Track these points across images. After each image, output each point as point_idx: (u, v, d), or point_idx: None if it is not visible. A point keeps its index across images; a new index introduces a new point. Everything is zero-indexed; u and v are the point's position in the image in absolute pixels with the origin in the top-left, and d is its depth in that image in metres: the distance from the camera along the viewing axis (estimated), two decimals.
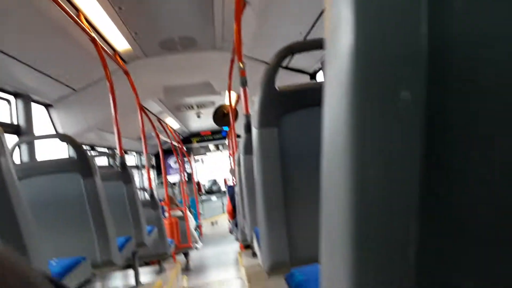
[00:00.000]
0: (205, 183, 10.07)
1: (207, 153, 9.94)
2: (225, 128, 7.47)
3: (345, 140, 0.36)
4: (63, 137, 1.84)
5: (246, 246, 3.85)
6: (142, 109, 3.91)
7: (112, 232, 1.94)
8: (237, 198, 3.19)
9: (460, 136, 0.33)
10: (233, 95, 3.88)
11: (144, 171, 6.77)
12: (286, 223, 1.10)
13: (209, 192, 9.89)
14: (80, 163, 1.76)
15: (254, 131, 1.10)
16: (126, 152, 6.37)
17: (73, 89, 3.58)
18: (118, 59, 3.43)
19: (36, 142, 3.01)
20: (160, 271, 3.65)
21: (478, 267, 0.36)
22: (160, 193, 6.54)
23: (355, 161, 0.35)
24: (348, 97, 0.33)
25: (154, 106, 5.42)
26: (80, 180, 1.78)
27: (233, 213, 4.81)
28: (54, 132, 3.51)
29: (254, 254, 3.25)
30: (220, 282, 4.24)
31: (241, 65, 1.79)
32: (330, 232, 0.43)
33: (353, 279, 0.38)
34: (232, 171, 4.48)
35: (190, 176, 8.79)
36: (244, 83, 1.80)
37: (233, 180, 4.86)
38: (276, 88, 1.08)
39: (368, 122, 0.33)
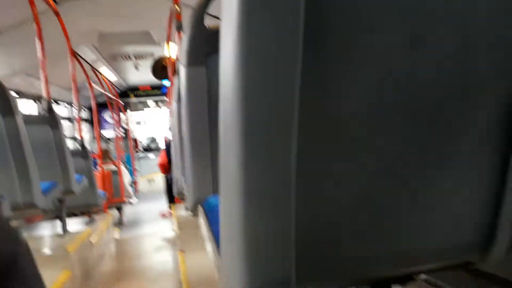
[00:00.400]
0: (143, 140, 9.87)
1: (145, 109, 9.68)
2: (166, 84, 7.30)
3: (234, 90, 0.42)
4: None
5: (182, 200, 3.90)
6: (74, 55, 3.71)
7: (34, 174, 1.88)
8: (173, 151, 3.18)
9: None
10: (174, 46, 3.79)
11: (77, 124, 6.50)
12: (211, 163, 1.14)
13: (147, 149, 9.72)
14: (0, 100, 1.67)
15: (182, 71, 1.10)
16: (57, 102, 6.06)
17: None
18: None
19: None
20: (90, 222, 3.61)
21: None
22: (94, 147, 6.35)
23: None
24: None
25: (88, 54, 5.15)
26: None
27: (168, 167, 4.79)
28: None
29: (192, 212, 3.31)
30: (152, 234, 4.28)
31: (177, 8, 1.74)
32: (225, 167, 0.48)
33: (242, 202, 0.45)
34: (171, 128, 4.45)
35: (126, 131, 8.56)
36: (179, 27, 1.76)
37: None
38: (206, 26, 1.08)
39: None
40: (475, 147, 0.54)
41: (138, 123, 9.77)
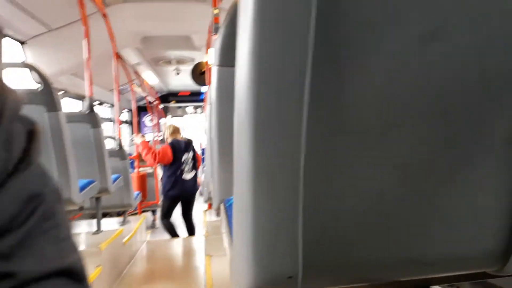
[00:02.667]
0: None
1: (184, 116, 9.90)
2: (203, 90, 7.46)
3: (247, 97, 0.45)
4: (28, 66, 1.85)
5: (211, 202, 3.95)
6: (118, 56, 3.89)
7: (73, 170, 1.98)
8: (206, 156, 3.25)
9: None
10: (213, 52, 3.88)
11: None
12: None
13: None
14: (45, 95, 1.79)
15: (214, 69, 1.14)
16: (100, 104, 6.32)
17: (49, 28, 3.53)
18: (97, 0, 3.39)
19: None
20: (124, 222, 3.74)
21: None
22: (132, 149, 6.55)
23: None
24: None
25: (131, 57, 5.37)
26: (44, 113, 1.81)
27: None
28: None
29: (218, 214, 3.37)
30: (183, 238, 4.37)
31: (215, 11, 1.80)
32: (238, 165, 0.51)
33: (252, 198, 0.48)
34: (206, 132, 4.53)
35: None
36: (217, 30, 1.82)
37: None
38: None
39: None
40: (496, 150, 0.54)
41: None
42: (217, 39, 1.09)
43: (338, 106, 0.49)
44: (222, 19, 1.91)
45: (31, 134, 0.28)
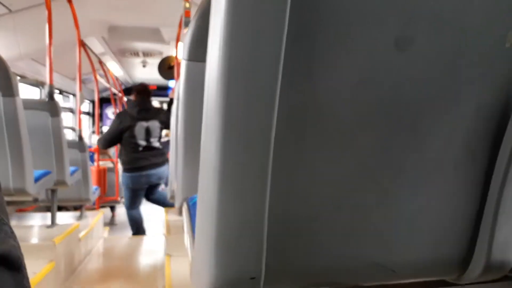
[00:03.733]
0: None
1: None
2: (171, 86, 7.36)
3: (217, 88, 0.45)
4: None
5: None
6: (83, 45, 3.78)
7: (28, 160, 1.91)
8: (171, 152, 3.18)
9: None
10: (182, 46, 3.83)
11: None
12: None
13: None
14: (1, 79, 1.71)
15: (183, 64, 1.13)
16: (61, 93, 6.13)
17: (9, 9, 3.38)
18: None
19: None
20: (81, 217, 3.64)
21: None
22: (93, 142, 6.40)
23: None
24: None
25: (96, 46, 5.23)
26: None
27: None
28: None
29: (180, 213, 3.32)
30: (142, 236, 4.29)
31: (187, 4, 1.79)
32: (204, 159, 0.50)
33: (216, 194, 0.48)
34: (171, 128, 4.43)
35: None
36: (187, 24, 1.80)
37: None
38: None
39: None
40: (457, 158, 0.56)
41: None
42: (187, 33, 1.07)
43: (308, 106, 0.49)
44: (193, 13, 1.89)
45: None
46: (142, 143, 3.73)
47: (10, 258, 0.25)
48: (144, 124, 3.70)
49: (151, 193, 4.06)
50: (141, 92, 3.74)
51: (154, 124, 3.74)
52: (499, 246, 0.59)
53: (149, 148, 3.77)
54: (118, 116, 3.83)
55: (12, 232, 0.27)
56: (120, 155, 4.01)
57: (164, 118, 3.75)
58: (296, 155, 0.50)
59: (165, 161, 3.86)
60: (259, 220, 0.49)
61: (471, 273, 0.61)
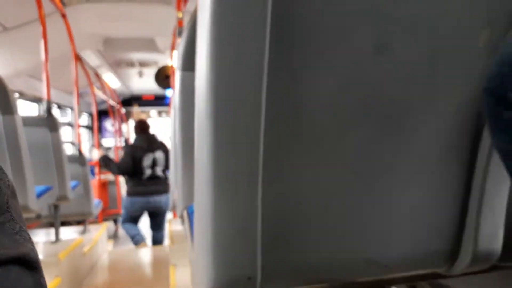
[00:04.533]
0: None
1: (148, 119, 9.79)
2: (168, 95, 7.41)
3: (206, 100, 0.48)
4: None
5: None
6: (78, 58, 3.83)
7: (30, 176, 1.95)
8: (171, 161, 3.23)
9: None
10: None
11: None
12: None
13: None
14: None
15: (177, 74, 1.16)
16: (59, 107, 6.18)
17: (4, 27, 3.44)
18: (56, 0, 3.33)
19: None
20: (84, 231, 3.67)
21: None
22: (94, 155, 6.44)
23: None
24: None
25: (92, 58, 5.29)
26: None
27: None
28: None
29: (183, 222, 3.34)
30: (146, 248, 4.32)
31: (179, 14, 1.83)
32: (199, 174, 0.54)
33: (211, 199, 0.51)
34: (170, 137, 4.47)
35: (126, 141, 8.67)
36: (181, 34, 1.83)
37: None
38: None
39: None
40: (440, 155, 0.60)
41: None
42: (180, 43, 1.10)
43: (294, 109, 0.52)
44: (186, 23, 1.93)
45: None
46: (148, 172, 4.04)
47: (29, 260, 0.29)
48: (151, 155, 4.04)
49: (153, 224, 4.36)
50: (143, 127, 4.12)
51: (160, 155, 4.07)
52: (485, 237, 0.62)
53: (152, 177, 4.08)
54: (131, 147, 4.12)
55: (30, 238, 0.31)
56: (126, 181, 4.36)
57: (167, 149, 4.12)
58: (285, 158, 0.54)
59: (166, 189, 4.15)
60: (252, 222, 0.53)
61: (460, 264, 0.64)
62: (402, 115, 0.56)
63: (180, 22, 1.84)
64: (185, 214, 1.04)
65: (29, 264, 0.29)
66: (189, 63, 1.11)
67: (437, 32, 0.54)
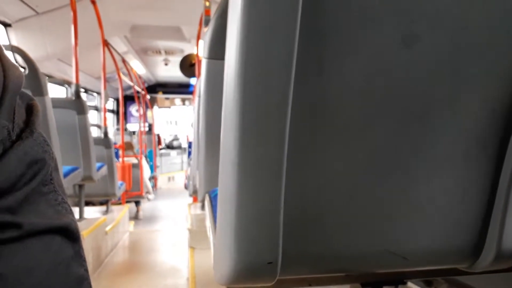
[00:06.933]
0: (166, 137, 10.05)
1: (172, 106, 9.88)
2: (192, 83, 7.44)
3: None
4: (15, 49, 1.83)
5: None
6: (106, 44, 3.87)
7: (57, 156, 1.98)
8: (193, 148, 3.26)
9: None
10: (203, 44, 3.88)
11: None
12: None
13: (169, 147, 9.89)
14: (31, 79, 1.78)
15: (203, 62, 1.16)
16: (86, 91, 6.28)
17: (36, 11, 3.49)
18: None
19: None
20: (107, 211, 3.74)
21: None
22: (117, 139, 6.54)
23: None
24: None
25: (119, 45, 5.33)
26: None
27: None
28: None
29: (203, 207, 3.38)
30: (167, 230, 4.38)
31: (207, 3, 1.81)
32: (224, 161, 0.53)
33: (235, 185, 0.51)
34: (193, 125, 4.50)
35: (150, 126, 8.77)
36: (207, 23, 1.82)
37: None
38: None
39: None
40: (467, 150, 0.58)
41: (166, 120, 9.99)
42: (207, 32, 1.10)
43: (320, 101, 0.51)
44: (213, 11, 1.92)
45: (30, 108, 0.31)
46: None
47: (70, 230, 0.30)
48: None
49: None
50: None
51: None
52: (510, 234, 0.60)
53: None
54: None
55: (71, 209, 0.31)
56: None
57: None
58: (310, 149, 0.53)
59: None
60: (275, 209, 0.52)
61: (483, 262, 0.62)
62: (428, 109, 0.54)
63: (207, 11, 1.83)
64: (207, 198, 1.04)
65: (70, 234, 0.30)
66: (215, 51, 1.11)
67: (466, 25, 0.52)
